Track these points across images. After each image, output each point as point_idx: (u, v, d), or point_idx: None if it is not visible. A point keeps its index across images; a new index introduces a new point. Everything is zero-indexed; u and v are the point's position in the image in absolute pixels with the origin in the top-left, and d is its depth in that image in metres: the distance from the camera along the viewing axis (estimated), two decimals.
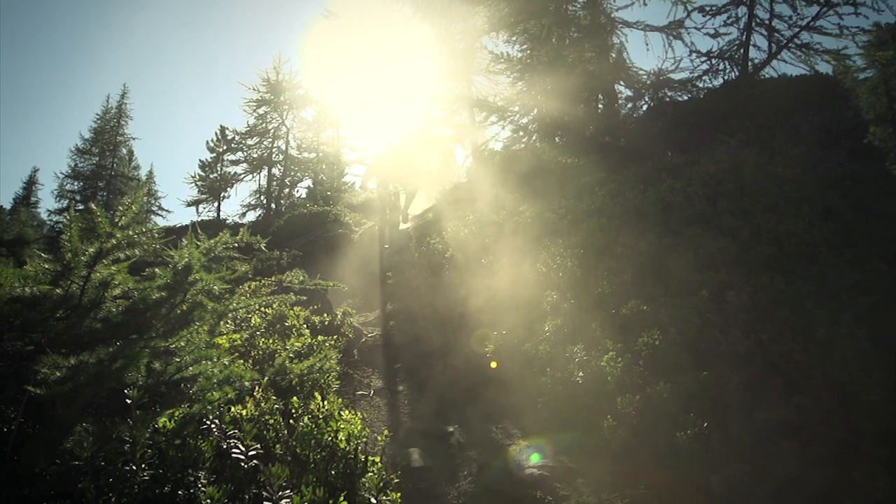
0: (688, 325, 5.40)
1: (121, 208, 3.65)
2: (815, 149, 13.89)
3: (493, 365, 6.27)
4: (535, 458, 4.68)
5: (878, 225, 7.18)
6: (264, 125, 29.13)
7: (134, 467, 2.59)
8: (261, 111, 28.96)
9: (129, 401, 2.71)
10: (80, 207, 27.71)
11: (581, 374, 5.30)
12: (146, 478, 2.62)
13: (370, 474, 2.65)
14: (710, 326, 5.35)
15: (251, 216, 28.79)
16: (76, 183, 31.25)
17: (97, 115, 32.32)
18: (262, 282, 7.83)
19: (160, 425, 2.95)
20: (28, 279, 3.39)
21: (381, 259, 11.15)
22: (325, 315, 7.01)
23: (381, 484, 2.62)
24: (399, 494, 2.46)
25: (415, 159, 11.57)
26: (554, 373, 5.46)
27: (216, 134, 29.27)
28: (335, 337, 6.25)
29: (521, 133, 21.78)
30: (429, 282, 9.02)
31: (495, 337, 6.54)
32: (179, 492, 2.77)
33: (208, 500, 2.43)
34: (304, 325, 6.19)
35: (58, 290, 3.50)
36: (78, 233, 3.45)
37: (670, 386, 4.67)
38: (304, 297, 6.55)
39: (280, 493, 2.53)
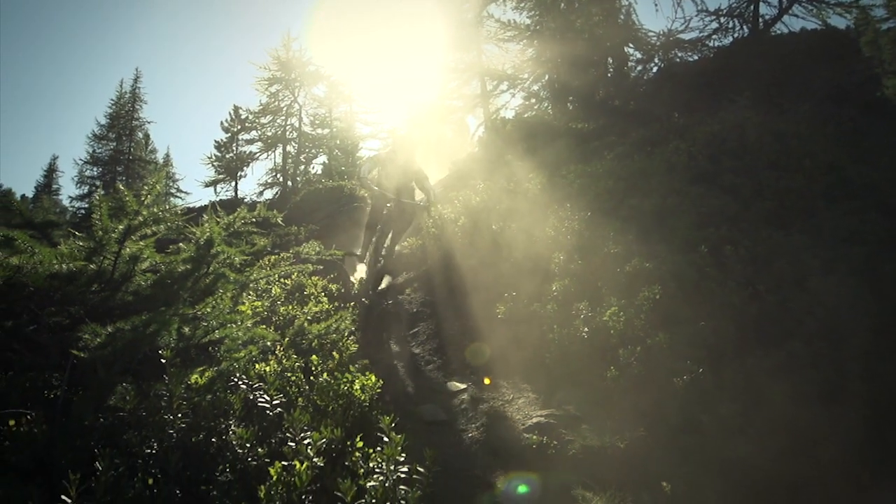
0: (687, 280, 5.64)
1: (145, 188, 3.89)
2: (826, 104, 13.83)
3: (501, 317, 6.54)
4: (542, 409, 4.99)
5: (879, 177, 7.30)
6: (277, 103, 29.42)
7: (171, 417, 2.88)
8: (273, 89, 29.23)
9: (163, 361, 2.99)
10: (101, 193, 28.18)
11: (586, 329, 5.57)
12: (183, 426, 2.92)
13: (384, 417, 2.93)
14: (709, 280, 5.58)
15: (268, 194, 29.24)
16: (95, 169, 31.77)
17: (112, 100, 32.71)
18: (281, 255, 8.16)
19: (192, 382, 3.24)
20: (64, 256, 3.66)
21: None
22: (342, 283, 7.33)
23: (394, 425, 2.91)
24: (402, 436, 2.73)
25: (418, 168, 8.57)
26: (560, 329, 5.73)
27: (230, 114, 29.61)
28: (352, 303, 6.57)
29: (533, 100, 21.85)
30: (442, 250, 9.28)
31: (506, 299, 6.81)
32: (213, 439, 3.07)
33: (238, 440, 2.74)
34: (322, 294, 6.51)
35: (91, 266, 3.76)
36: (108, 211, 3.71)
37: (669, 336, 4.93)
38: (321, 267, 6.87)
39: (302, 434, 2.83)
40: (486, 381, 5.83)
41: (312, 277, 6.75)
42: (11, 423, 2.69)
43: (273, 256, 7.80)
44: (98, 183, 30.97)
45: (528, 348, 6.01)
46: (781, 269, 5.49)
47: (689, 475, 3.88)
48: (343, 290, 7.15)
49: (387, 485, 2.40)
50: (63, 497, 2.26)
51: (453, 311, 7.70)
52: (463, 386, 5.84)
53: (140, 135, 33.07)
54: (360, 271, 8.94)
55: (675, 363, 4.66)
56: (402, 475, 2.55)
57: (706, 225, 6.54)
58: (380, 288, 8.34)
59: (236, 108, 29.51)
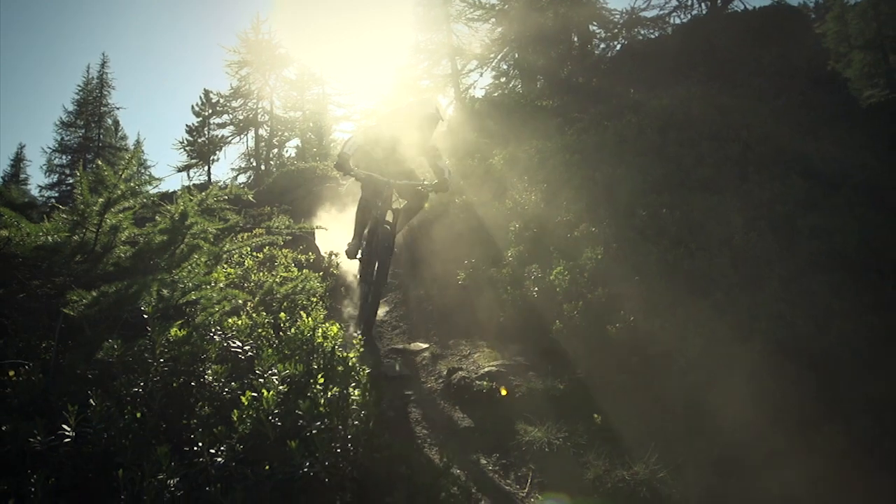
0: (628, 241, 6.16)
1: (122, 163, 4.25)
2: (777, 79, 14.40)
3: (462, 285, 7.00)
4: (494, 361, 5.48)
5: (809, 146, 7.88)
6: (248, 86, 29.46)
7: (154, 363, 3.30)
8: (243, 72, 29.28)
9: (145, 316, 3.40)
10: (71, 181, 28.21)
11: (536, 289, 6.07)
12: (165, 369, 3.34)
13: (341, 352, 3.38)
14: (647, 241, 6.10)
15: (242, 179, 29.36)
16: (64, 157, 31.45)
17: (79, 86, 32.34)
18: (254, 231, 8.52)
19: (172, 334, 3.65)
20: (49, 229, 4.01)
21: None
22: (311, 253, 7.73)
23: (354, 366, 3.36)
24: (354, 361, 3.18)
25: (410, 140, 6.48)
26: (514, 291, 6.22)
27: (200, 98, 29.61)
28: (321, 273, 6.99)
29: (503, 79, 22.28)
30: (409, 224, 9.73)
31: (466, 266, 7.28)
32: (192, 382, 3.49)
33: (214, 375, 3.18)
34: (292, 264, 6.92)
35: (75, 238, 4.13)
36: (88, 186, 4.07)
37: (607, 291, 5.44)
38: (290, 238, 7.27)
39: (270, 371, 3.28)
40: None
41: (283, 250, 7.15)
42: (11, 372, 3.06)
43: (245, 234, 8.16)
44: (67, 171, 30.73)
45: (484, 309, 6.50)
46: (712, 229, 6.03)
47: (619, 408, 4.40)
48: (312, 261, 7.56)
49: (340, 402, 2.86)
50: (63, 426, 2.67)
51: (419, 280, 8.17)
52: (425, 345, 6.31)
53: (109, 121, 32.79)
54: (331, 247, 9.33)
55: (611, 315, 5.18)
56: (355, 397, 3.02)
57: (649, 192, 7.06)
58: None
59: (207, 92, 29.51)
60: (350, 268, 8.53)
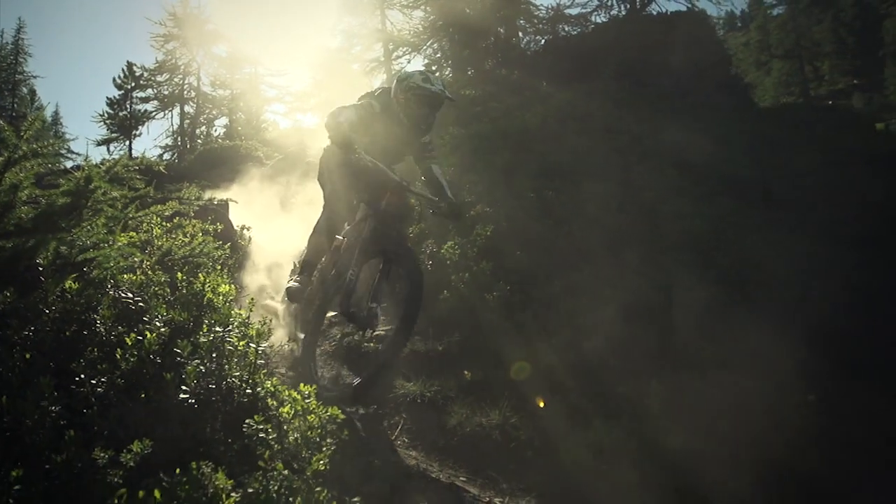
0: (516, 220, 6.70)
1: (25, 124, 4.41)
2: (684, 80, 15.34)
3: None
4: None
5: (694, 141, 8.63)
6: (174, 61, 28.74)
7: (47, 310, 3.54)
8: (169, 46, 28.54)
9: (41, 269, 3.62)
10: None
11: (430, 262, 6.53)
12: (56, 316, 3.59)
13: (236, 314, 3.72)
14: (533, 220, 6.66)
15: (167, 157, 28.64)
16: None
17: None
18: (168, 204, 8.61)
19: (66, 287, 3.89)
20: None
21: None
22: (219, 224, 7.92)
23: (244, 322, 3.71)
24: (255, 325, 3.53)
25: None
26: None
27: (123, 70, 28.49)
28: (229, 244, 7.22)
29: (434, 67, 22.68)
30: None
31: None
32: (84, 332, 3.75)
33: (102, 320, 3.47)
34: (199, 233, 7.12)
35: None
36: None
37: (492, 264, 5.95)
38: (200, 209, 7.46)
39: (156, 318, 3.58)
40: None
41: (192, 221, 7.34)
42: None
43: (158, 206, 8.26)
44: None
45: None
46: (592, 211, 6.65)
47: (488, 366, 4.91)
48: (220, 231, 7.77)
49: (213, 340, 3.21)
50: None
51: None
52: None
53: (24, 90, 31.28)
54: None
55: (492, 285, 5.69)
56: (239, 345, 3.37)
57: (542, 177, 7.64)
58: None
59: (130, 65, 28.47)
60: (264, 244, 8.78)
